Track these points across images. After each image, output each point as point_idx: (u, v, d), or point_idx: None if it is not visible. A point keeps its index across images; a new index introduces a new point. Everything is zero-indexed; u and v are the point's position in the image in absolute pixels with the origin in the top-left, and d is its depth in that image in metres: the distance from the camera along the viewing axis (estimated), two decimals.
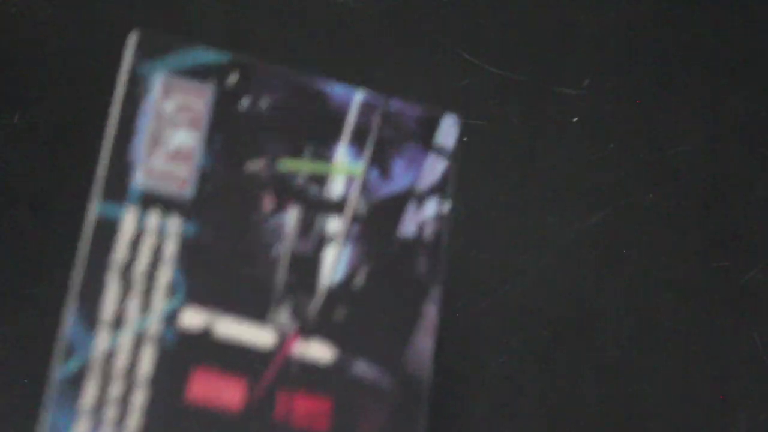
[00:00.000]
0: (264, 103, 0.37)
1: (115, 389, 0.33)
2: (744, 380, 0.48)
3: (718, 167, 0.52)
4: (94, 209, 0.34)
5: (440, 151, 0.38)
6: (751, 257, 0.50)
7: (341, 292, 0.36)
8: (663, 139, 0.52)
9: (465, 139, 0.51)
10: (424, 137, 0.38)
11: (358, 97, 0.38)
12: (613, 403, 0.48)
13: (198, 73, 0.37)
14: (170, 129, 0.36)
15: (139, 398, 0.33)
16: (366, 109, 0.37)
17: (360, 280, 0.36)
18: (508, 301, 0.49)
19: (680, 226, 0.51)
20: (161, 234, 0.35)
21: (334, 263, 0.36)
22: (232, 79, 0.37)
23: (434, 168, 0.38)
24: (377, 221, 0.36)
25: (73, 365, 0.33)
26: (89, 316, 0.33)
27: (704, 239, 0.51)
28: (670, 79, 0.53)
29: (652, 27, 0.54)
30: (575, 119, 0.52)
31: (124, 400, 0.33)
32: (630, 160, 0.52)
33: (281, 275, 0.35)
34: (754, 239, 0.51)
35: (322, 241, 0.36)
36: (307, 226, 0.36)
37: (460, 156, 0.37)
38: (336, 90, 0.37)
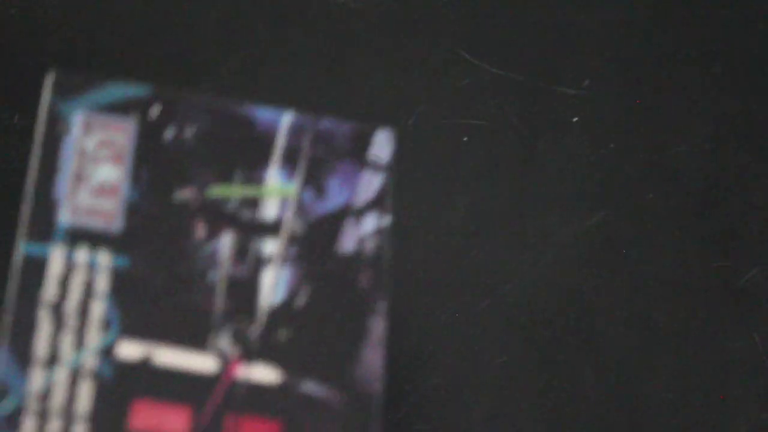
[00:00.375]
0: (189, 132, 0.37)
1: (54, 427, 0.32)
2: (744, 380, 0.48)
3: (718, 167, 0.52)
4: (21, 250, 0.34)
5: (375, 166, 0.38)
6: (751, 257, 0.50)
7: (283, 313, 0.35)
8: (663, 139, 0.52)
9: (465, 139, 0.51)
10: (358, 153, 0.38)
11: (286, 119, 0.37)
12: (613, 403, 0.47)
13: (119, 107, 0.36)
14: (93, 165, 0.36)
15: None
16: (295, 129, 0.37)
17: (301, 300, 0.36)
18: (508, 301, 0.49)
19: (680, 226, 0.51)
20: (91, 269, 0.35)
21: (273, 285, 0.36)
22: (154, 111, 0.37)
23: (370, 183, 0.38)
24: (315, 240, 0.36)
25: (8, 405, 0.33)
26: (22, 355, 0.33)
27: (704, 239, 0.51)
28: (670, 79, 0.53)
29: (652, 27, 0.54)
30: (575, 119, 0.52)
31: None
32: (630, 160, 0.52)
33: (219, 301, 0.35)
34: (754, 239, 0.51)
35: (259, 265, 0.36)
36: (242, 250, 0.36)
37: (396, 169, 0.37)
38: (262, 113, 0.37)
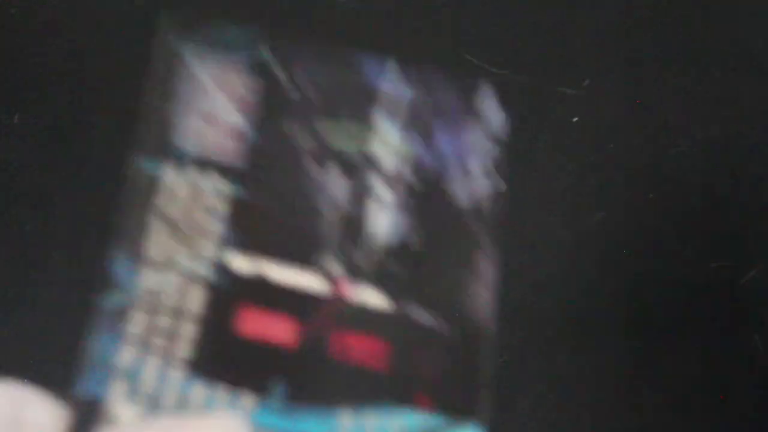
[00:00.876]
0: (299, 74, 0.37)
1: (163, 323, 0.34)
2: (744, 380, 0.48)
3: (718, 167, 0.52)
4: (137, 163, 0.36)
5: (484, 119, 0.38)
6: (751, 257, 0.50)
7: (393, 247, 0.36)
8: (663, 139, 0.52)
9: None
10: (466, 107, 0.38)
11: (393, 68, 0.38)
12: (613, 403, 0.48)
13: (232, 46, 0.37)
14: (209, 98, 0.37)
15: (187, 331, 0.34)
16: (403, 79, 0.38)
17: (413, 239, 0.36)
18: (508, 301, 0.49)
19: (680, 226, 0.51)
20: (205, 189, 0.36)
21: (382, 224, 0.36)
22: (265, 52, 0.37)
23: (479, 137, 0.38)
24: (425, 188, 0.36)
25: (120, 300, 0.34)
26: (137, 257, 0.34)
27: (704, 239, 0.51)
28: (670, 79, 0.53)
29: (652, 27, 0.54)
30: (575, 119, 0.52)
31: (172, 332, 0.34)
32: (630, 160, 0.52)
33: (330, 229, 0.36)
34: (754, 239, 0.51)
35: (368, 204, 0.36)
36: (351, 188, 0.36)
37: (508, 121, 0.38)
38: (369, 61, 0.38)
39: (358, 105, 0.37)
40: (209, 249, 0.35)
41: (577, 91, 0.53)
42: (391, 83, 0.37)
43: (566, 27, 0.54)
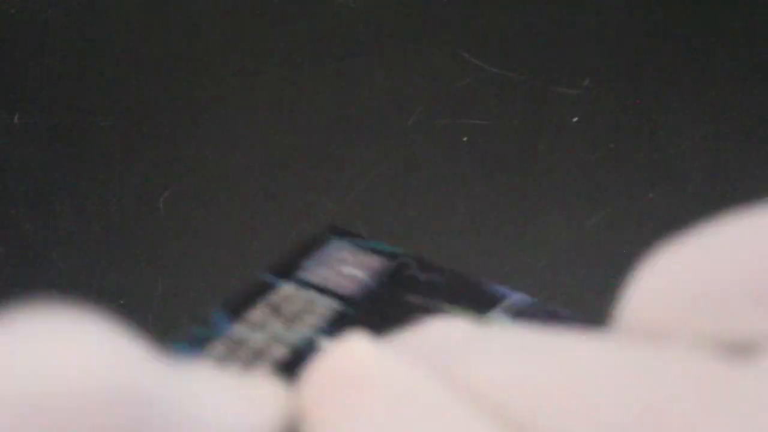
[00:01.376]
0: (431, 277, 0.42)
1: (242, 354, 0.37)
2: None
3: (718, 167, 0.52)
4: (261, 276, 0.41)
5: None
6: None
7: None
8: (663, 139, 0.52)
9: (465, 139, 0.51)
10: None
11: (516, 296, 0.42)
12: None
13: (376, 251, 0.43)
14: (342, 265, 0.42)
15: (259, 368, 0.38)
16: (522, 305, 0.43)
17: None
18: None
19: (680, 226, 0.51)
20: (317, 302, 0.41)
21: None
22: (405, 260, 0.43)
23: None
24: None
25: (206, 332, 0.39)
26: (236, 316, 0.39)
27: None
28: (670, 79, 0.53)
29: (653, 27, 0.54)
30: (575, 119, 0.52)
31: (245, 365, 0.38)
32: (630, 160, 0.52)
33: None
34: None
35: None
36: None
37: None
38: (495, 286, 0.43)
39: (481, 304, 0.42)
40: (304, 330, 0.39)
41: (577, 91, 0.53)
42: (513, 302, 0.42)
43: (566, 27, 0.54)
